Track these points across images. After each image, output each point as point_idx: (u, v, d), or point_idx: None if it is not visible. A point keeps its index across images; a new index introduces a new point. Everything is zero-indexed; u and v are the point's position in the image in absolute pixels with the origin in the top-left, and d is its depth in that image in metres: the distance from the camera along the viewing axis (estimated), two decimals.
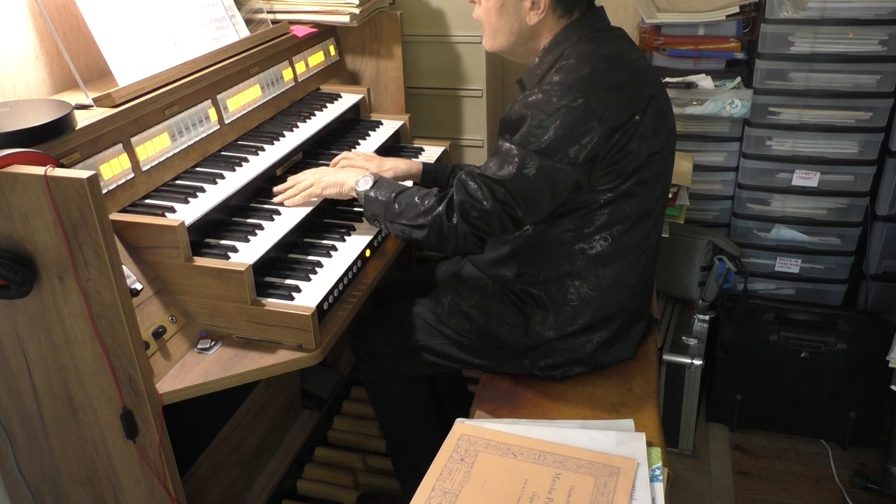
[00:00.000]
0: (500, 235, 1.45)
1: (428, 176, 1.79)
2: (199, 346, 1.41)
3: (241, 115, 1.79)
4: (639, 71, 1.41)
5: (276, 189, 1.67)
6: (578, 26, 1.44)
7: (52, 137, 1.27)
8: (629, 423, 1.38)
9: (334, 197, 1.63)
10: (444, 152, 2.12)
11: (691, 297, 2.42)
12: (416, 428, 1.82)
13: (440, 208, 1.42)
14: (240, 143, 1.76)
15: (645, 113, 1.38)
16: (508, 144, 1.37)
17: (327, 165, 1.78)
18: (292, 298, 1.44)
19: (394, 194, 1.51)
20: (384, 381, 1.76)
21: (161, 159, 1.54)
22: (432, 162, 1.87)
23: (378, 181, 1.57)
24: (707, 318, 2.38)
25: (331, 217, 1.76)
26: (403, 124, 2.15)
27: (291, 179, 1.67)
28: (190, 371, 1.36)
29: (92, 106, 1.43)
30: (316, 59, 2.13)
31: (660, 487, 1.22)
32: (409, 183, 1.81)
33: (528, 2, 1.41)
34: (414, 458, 1.80)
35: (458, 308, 1.60)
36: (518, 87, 1.56)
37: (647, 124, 1.38)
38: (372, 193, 1.55)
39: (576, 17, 1.44)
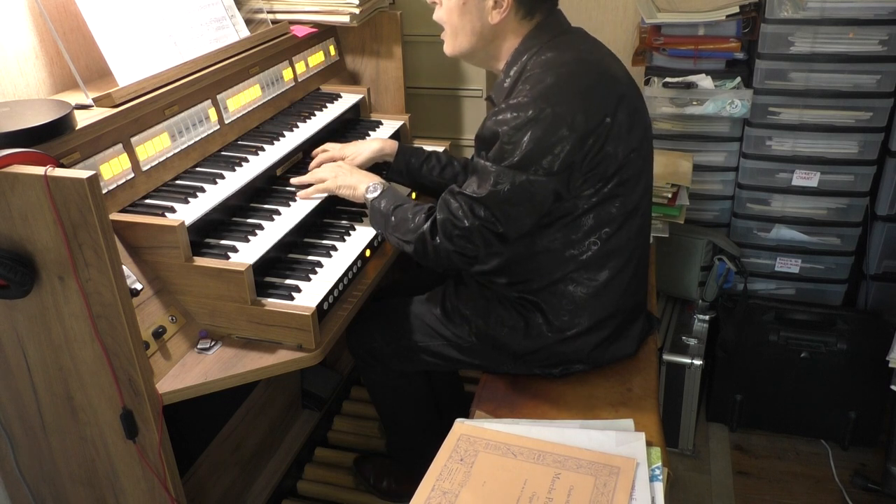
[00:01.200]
0: (485, 252, 1.45)
1: (401, 157, 1.81)
2: (199, 346, 1.41)
3: (241, 115, 1.79)
4: (605, 72, 1.40)
5: (294, 181, 1.71)
6: (539, 34, 1.44)
7: (52, 137, 1.27)
8: (629, 423, 1.38)
9: (347, 198, 1.66)
10: (443, 152, 2.12)
11: (691, 297, 2.42)
12: (414, 414, 1.86)
13: (425, 226, 1.44)
14: (240, 143, 1.76)
15: (616, 113, 1.37)
16: (484, 162, 1.38)
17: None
18: (292, 298, 1.44)
19: (392, 207, 1.53)
20: (384, 380, 1.78)
21: (161, 159, 1.54)
22: (409, 145, 1.88)
23: (384, 191, 1.59)
24: (707, 318, 2.38)
25: (331, 217, 1.76)
26: (403, 124, 2.15)
27: (311, 174, 1.70)
28: (190, 371, 1.36)
29: (92, 106, 1.43)
30: (316, 59, 2.13)
31: (659, 487, 1.22)
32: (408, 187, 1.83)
33: (490, 0, 1.41)
34: (417, 446, 1.85)
35: (457, 311, 1.60)
36: (489, 104, 1.55)
37: (621, 124, 1.38)
38: (376, 203, 1.58)
39: (536, 23, 1.44)
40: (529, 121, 1.32)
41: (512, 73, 1.45)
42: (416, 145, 2.13)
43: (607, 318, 1.52)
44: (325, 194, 1.68)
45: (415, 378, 1.79)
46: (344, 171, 1.67)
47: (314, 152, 1.83)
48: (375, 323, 1.71)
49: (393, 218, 1.52)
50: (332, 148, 1.82)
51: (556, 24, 1.46)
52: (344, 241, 1.65)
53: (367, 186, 1.61)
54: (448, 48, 1.51)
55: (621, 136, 1.38)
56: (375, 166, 1.82)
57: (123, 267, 1.23)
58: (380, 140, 1.84)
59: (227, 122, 1.74)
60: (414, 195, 1.86)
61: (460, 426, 1.36)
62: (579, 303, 1.49)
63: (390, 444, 2.04)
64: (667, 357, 2.22)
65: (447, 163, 1.81)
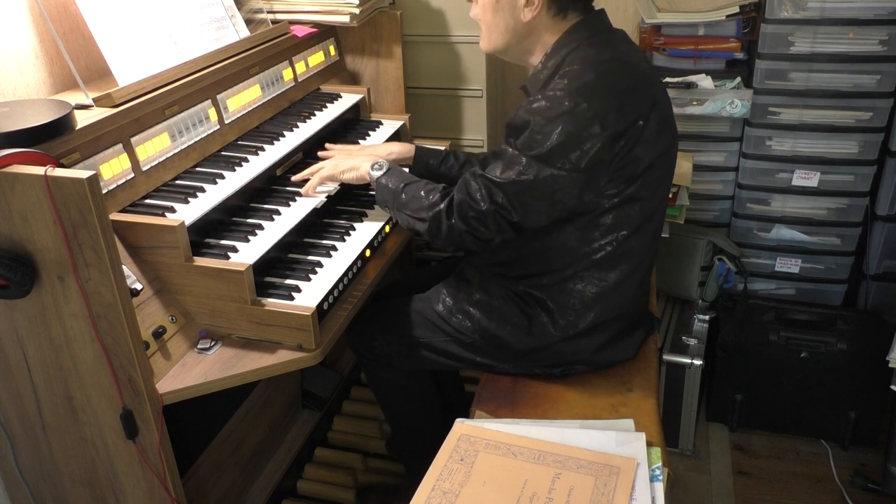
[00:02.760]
0: (498, 238, 1.46)
1: (420, 160, 1.81)
2: (199, 346, 1.41)
3: (241, 115, 1.79)
4: (642, 76, 1.41)
5: (294, 178, 1.70)
6: (579, 30, 1.44)
7: (52, 137, 1.27)
8: (629, 423, 1.38)
9: (352, 181, 1.67)
10: (462, 151, 2.11)
11: (691, 297, 2.42)
12: (422, 417, 1.84)
13: (442, 205, 1.45)
14: (240, 143, 1.76)
15: (649, 118, 1.38)
16: (512, 150, 1.39)
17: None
18: (292, 298, 1.44)
19: (402, 184, 1.54)
20: (388, 378, 1.77)
21: (161, 159, 1.54)
22: (426, 146, 1.89)
23: (390, 169, 1.61)
24: (707, 318, 2.38)
25: (331, 217, 1.76)
26: (403, 124, 2.15)
27: (308, 171, 1.70)
28: (190, 371, 1.36)
29: (92, 106, 1.43)
30: (316, 59, 2.13)
31: (660, 487, 1.22)
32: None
33: None
34: (421, 446, 1.83)
35: (459, 306, 1.60)
36: (523, 93, 1.56)
37: (651, 129, 1.38)
38: (383, 180, 1.59)
39: (574, 21, 1.45)
40: (563, 113, 1.33)
41: (550, 64, 1.45)
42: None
43: (612, 319, 1.52)
44: (330, 187, 1.68)
45: (419, 377, 1.79)
46: (342, 156, 1.69)
47: (327, 146, 1.84)
48: (377, 321, 1.71)
49: (404, 195, 1.53)
50: (349, 149, 1.84)
51: (598, 22, 1.47)
52: (344, 241, 1.65)
53: (371, 164, 1.63)
54: (483, 45, 1.53)
55: (650, 140, 1.39)
56: None
57: (123, 267, 1.23)
58: (399, 144, 1.84)
59: (227, 122, 1.74)
60: None
61: (460, 426, 1.36)
62: (586, 302, 1.49)
63: (393, 443, 2.03)
64: (667, 357, 2.22)
65: (465, 160, 1.82)
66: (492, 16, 1.47)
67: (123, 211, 1.43)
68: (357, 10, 2.02)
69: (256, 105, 1.85)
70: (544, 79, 1.45)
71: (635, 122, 1.36)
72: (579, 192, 1.38)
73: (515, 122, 1.41)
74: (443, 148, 1.87)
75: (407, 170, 1.83)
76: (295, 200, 1.66)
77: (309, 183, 1.67)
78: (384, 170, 1.61)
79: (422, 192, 1.50)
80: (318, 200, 1.66)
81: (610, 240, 1.45)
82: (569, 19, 1.45)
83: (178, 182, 1.56)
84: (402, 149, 1.82)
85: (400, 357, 1.69)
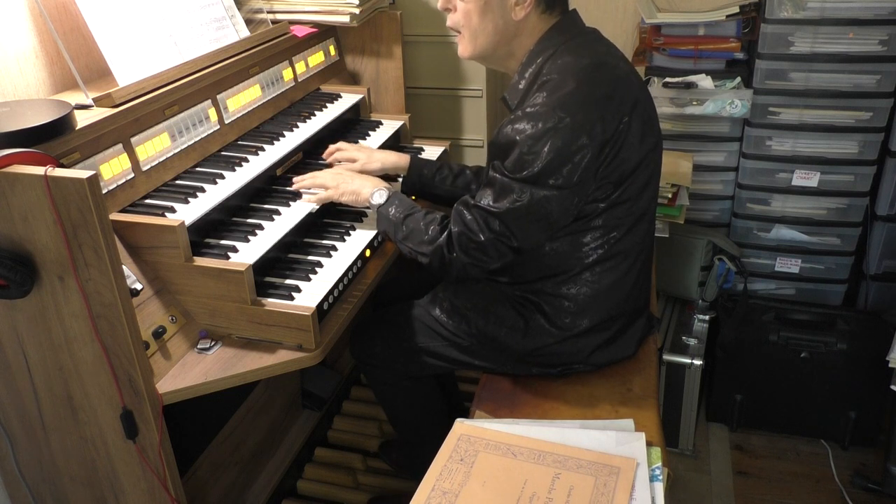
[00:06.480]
0: (500, 263, 1.45)
1: (414, 171, 1.80)
2: (199, 346, 1.41)
3: (241, 115, 1.79)
4: (621, 78, 1.39)
5: (295, 182, 1.68)
6: (554, 35, 1.43)
7: (52, 137, 1.27)
8: (629, 423, 1.38)
9: (350, 204, 1.65)
10: (443, 152, 2.12)
11: (691, 297, 2.42)
12: (430, 421, 1.82)
13: (441, 239, 1.44)
14: (240, 143, 1.76)
15: (631, 121, 1.37)
16: (501, 175, 1.37)
17: (327, 166, 1.79)
18: (292, 298, 1.44)
19: (403, 216, 1.53)
20: (392, 381, 1.76)
21: (161, 159, 1.54)
22: (420, 157, 1.88)
23: (391, 197, 1.59)
24: (707, 318, 2.38)
25: (331, 217, 1.76)
26: (403, 124, 2.15)
27: (311, 177, 1.68)
28: (190, 371, 1.36)
29: (92, 106, 1.43)
30: (316, 59, 2.13)
31: (660, 487, 1.22)
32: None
33: None
34: (426, 449, 1.81)
35: (456, 310, 1.60)
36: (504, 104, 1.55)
37: (635, 131, 1.38)
38: (384, 210, 1.57)
39: (554, 22, 1.43)
40: (548, 131, 1.31)
41: (527, 74, 1.44)
42: (415, 145, 2.14)
43: (609, 320, 1.52)
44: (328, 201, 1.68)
45: (422, 382, 1.78)
46: (345, 178, 1.66)
47: (330, 148, 1.82)
48: (376, 328, 1.71)
49: (404, 227, 1.51)
50: (346, 147, 1.82)
51: (572, 24, 1.45)
52: (344, 241, 1.65)
53: (371, 192, 1.61)
54: (466, 51, 1.49)
55: (634, 143, 1.38)
56: (386, 178, 1.81)
57: (123, 267, 1.23)
58: (395, 154, 1.82)
59: (227, 122, 1.74)
60: (413, 198, 1.85)
61: (460, 426, 1.36)
62: (582, 304, 1.49)
63: (395, 447, 2.03)
64: (667, 357, 2.22)
65: (459, 172, 1.81)
66: (479, 19, 1.43)
67: (123, 211, 1.43)
68: (357, 10, 2.02)
69: (256, 105, 1.85)
70: (524, 89, 1.44)
71: (618, 126, 1.35)
72: (574, 207, 1.38)
73: (499, 140, 1.39)
74: (440, 151, 1.86)
75: (400, 180, 1.83)
76: (295, 201, 1.66)
77: (310, 198, 1.65)
78: (385, 199, 1.58)
79: (422, 225, 1.49)
80: (314, 206, 1.65)
81: (601, 242, 1.45)
82: (552, 17, 1.44)
83: (178, 182, 1.56)
84: (398, 159, 1.80)
85: (401, 362, 1.69)
